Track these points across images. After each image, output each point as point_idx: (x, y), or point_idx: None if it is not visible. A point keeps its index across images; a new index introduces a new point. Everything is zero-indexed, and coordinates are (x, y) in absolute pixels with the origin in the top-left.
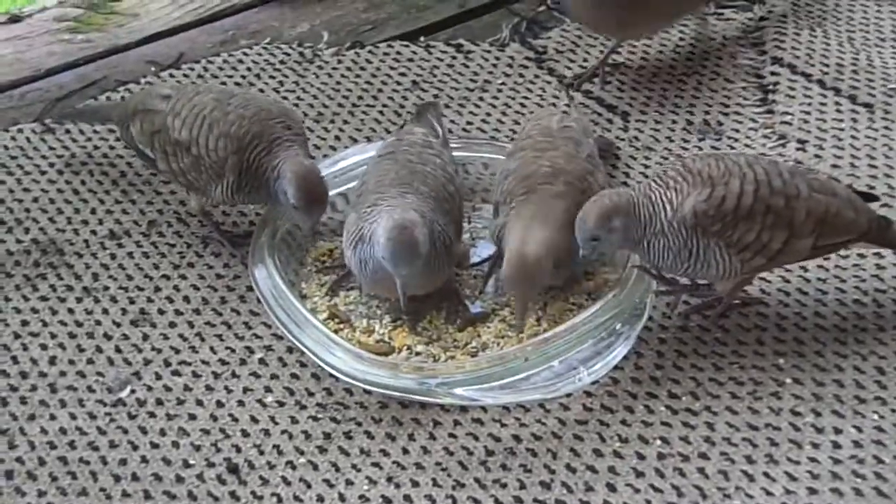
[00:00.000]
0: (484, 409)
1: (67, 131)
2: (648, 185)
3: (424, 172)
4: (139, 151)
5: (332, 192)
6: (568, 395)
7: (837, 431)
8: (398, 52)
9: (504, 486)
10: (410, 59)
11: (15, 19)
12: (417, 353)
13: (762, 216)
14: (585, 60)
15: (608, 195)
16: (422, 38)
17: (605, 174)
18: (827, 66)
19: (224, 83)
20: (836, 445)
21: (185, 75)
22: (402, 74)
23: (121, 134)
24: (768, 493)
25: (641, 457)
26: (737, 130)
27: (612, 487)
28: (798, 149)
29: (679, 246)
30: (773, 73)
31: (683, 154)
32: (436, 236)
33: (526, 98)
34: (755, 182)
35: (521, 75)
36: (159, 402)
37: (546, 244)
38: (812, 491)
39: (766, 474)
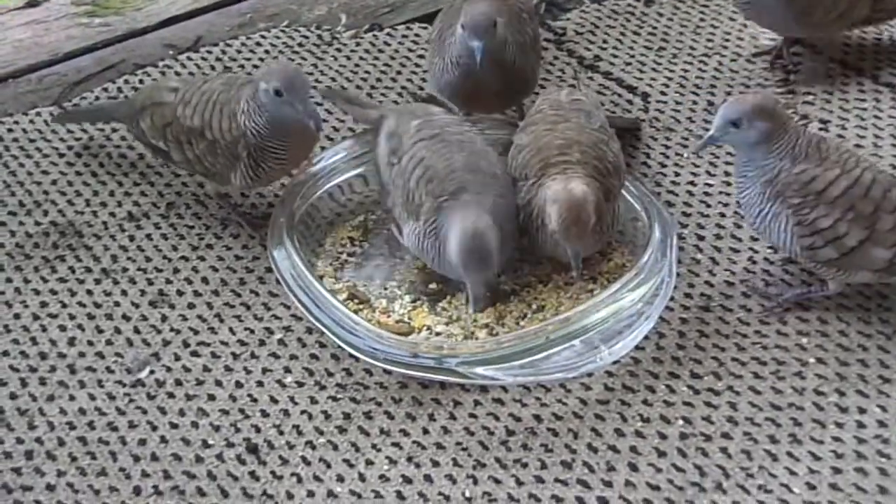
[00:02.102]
0: (504, 389)
1: None
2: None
3: (484, 151)
4: (151, 146)
5: (353, 173)
6: (589, 375)
7: (862, 411)
8: (416, 35)
9: (525, 465)
10: (429, 41)
11: (33, 4)
12: (437, 334)
13: (843, 210)
14: (605, 42)
15: (772, 98)
16: None
17: (618, 143)
18: (849, 45)
19: (242, 66)
20: (861, 425)
21: (204, 58)
22: (421, 56)
23: (130, 130)
24: (792, 473)
25: (663, 436)
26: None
27: (633, 467)
28: (821, 128)
29: (756, 198)
30: (794, 54)
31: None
32: (505, 232)
33: (545, 79)
34: (855, 182)
35: (540, 56)
36: (178, 383)
37: (590, 189)
38: (836, 470)
39: (789, 454)
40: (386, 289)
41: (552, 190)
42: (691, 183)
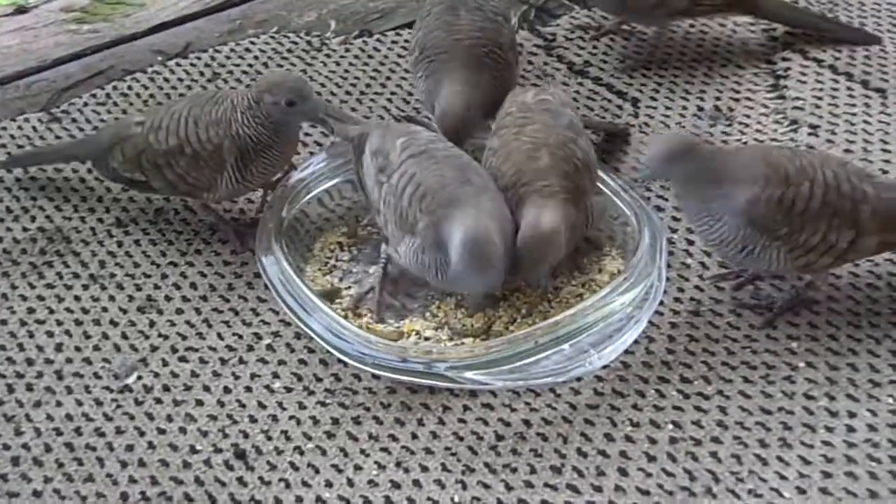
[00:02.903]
0: (494, 393)
1: (73, 120)
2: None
3: (470, 165)
4: (127, 180)
5: (336, 182)
6: (578, 380)
7: (852, 415)
8: (406, 41)
9: (514, 470)
10: (410, 52)
11: (21, 10)
12: (426, 339)
13: (828, 218)
14: (595, 47)
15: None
16: None
17: (589, 141)
18: (839, 51)
19: (231, 72)
20: (851, 429)
21: (193, 64)
22: None
23: (99, 172)
24: (782, 477)
25: (653, 441)
26: (748, 116)
27: (623, 472)
28: (810, 133)
29: (732, 235)
30: (784, 59)
31: None
32: (506, 237)
33: (536, 85)
34: (824, 185)
35: (530, 62)
36: (166, 389)
37: (560, 216)
38: (826, 475)
39: (779, 458)
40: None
41: (524, 224)
42: None
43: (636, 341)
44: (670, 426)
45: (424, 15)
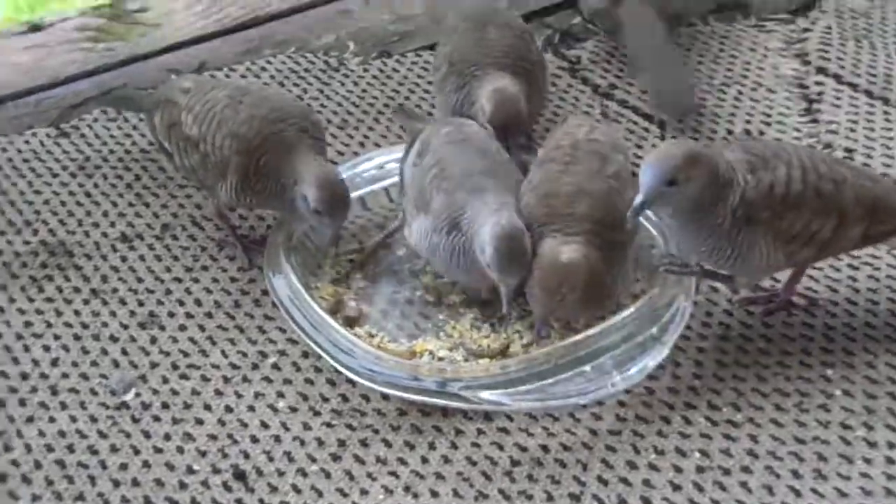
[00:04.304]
0: (510, 417)
1: (83, 135)
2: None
3: (505, 163)
4: (159, 143)
5: (352, 195)
6: (600, 404)
7: (891, 446)
8: (426, 62)
9: (530, 497)
10: (435, 71)
11: (36, 28)
12: (440, 359)
13: (811, 202)
14: (621, 70)
15: (694, 144)
16: None
17: (633, 191)
18: (874, 76)
19: None
20: (890, 461)
21: None
22: (430, 83)
23: (147, 122)
24: None
25: (679, 469)
26: (779, 140)
27: (647, 501)
28: (845, 157)
29: (723, 234)
30: (817, 83)
31: None
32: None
33: (559, 107)
34: (801, 167)
35: (554, 84)
36: (165, 406)
37: (583, 253)
38: None
39: (813, 490)
40: (386, 312)
41: (542, 248)
42: None
43: (661, 366)
44: (697, 454)
45: (450, 32)
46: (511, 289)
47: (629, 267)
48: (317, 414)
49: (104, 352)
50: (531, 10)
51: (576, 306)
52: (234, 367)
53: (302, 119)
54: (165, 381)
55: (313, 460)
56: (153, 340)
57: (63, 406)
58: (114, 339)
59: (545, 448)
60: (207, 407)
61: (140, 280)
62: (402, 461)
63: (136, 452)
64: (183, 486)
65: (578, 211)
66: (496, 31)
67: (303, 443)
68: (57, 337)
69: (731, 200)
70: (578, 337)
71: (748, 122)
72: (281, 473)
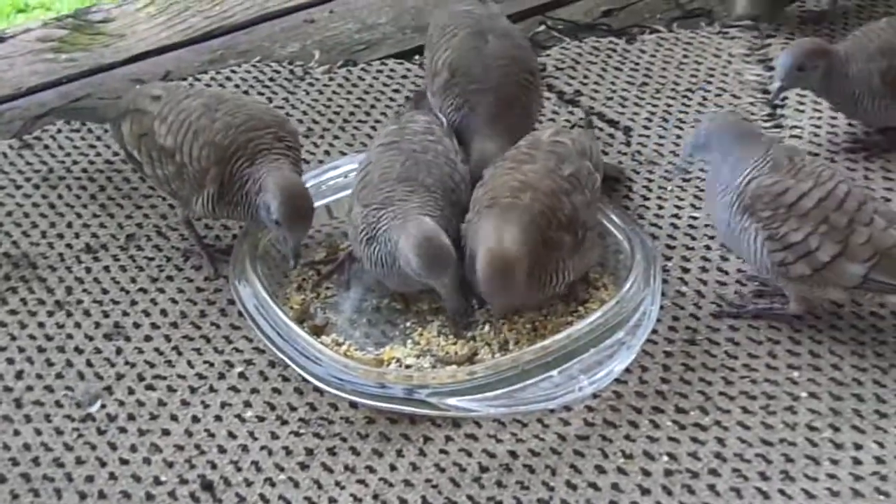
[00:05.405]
0: (478, 423)
1: (46, 147)
2: None
3: (428, 163)
4: (127, 153)
5: (317, 204)
6: (567, 409)
7: (857, 447)
8: (392, 70)
9: (499, 503)
10: (405, 76)
11: None
12: (408, 366)
13: (816, 223)
14: (586, 77)
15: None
16: (416, 58)
17: (588, 200)
18: None
19: None
20: (857, 461)
21: None
22: (396, 91)
23: (112, 132)
24: None
25: (647, 473)
26: None
27: None
28: None
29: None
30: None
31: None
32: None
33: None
34: (828, 194)
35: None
36: (131, 417)
37: (522, 243)
38: None
39: (781, 491)
40: (353, 320)
41: (482, 235)
42: (675, 216)
43: (629, 370)
44: (665, 458)
45: (449, 36)
46: (450, 287)
47: (570, 275)
48: (284, 423)
49: (69, 364)
50: None
51: (485, 289)
52: (201, 377)
53: (278, 128)
54: (131, 392)
55: (281, 469)
56: (119, 351)
57: (28, 419)
58: (79, 350)
59: (514, 454)
60: (174, 418)
61: (105, 291)
62: (370, 469)
63: (103, 465)
64: (150, 497)
65: (521, 203)
66: (496, 41)
67: (270, 452)
68: (21, 349)
69: (746, 178)
70: (546, 342)
71: None
72: (249, 483)
